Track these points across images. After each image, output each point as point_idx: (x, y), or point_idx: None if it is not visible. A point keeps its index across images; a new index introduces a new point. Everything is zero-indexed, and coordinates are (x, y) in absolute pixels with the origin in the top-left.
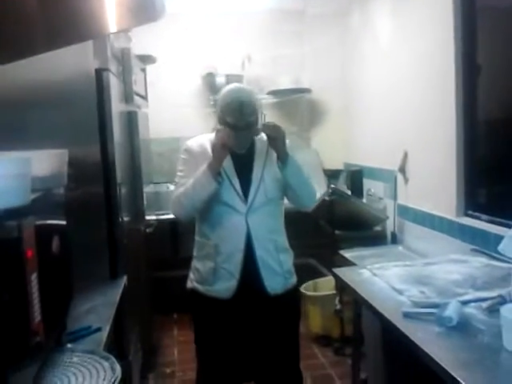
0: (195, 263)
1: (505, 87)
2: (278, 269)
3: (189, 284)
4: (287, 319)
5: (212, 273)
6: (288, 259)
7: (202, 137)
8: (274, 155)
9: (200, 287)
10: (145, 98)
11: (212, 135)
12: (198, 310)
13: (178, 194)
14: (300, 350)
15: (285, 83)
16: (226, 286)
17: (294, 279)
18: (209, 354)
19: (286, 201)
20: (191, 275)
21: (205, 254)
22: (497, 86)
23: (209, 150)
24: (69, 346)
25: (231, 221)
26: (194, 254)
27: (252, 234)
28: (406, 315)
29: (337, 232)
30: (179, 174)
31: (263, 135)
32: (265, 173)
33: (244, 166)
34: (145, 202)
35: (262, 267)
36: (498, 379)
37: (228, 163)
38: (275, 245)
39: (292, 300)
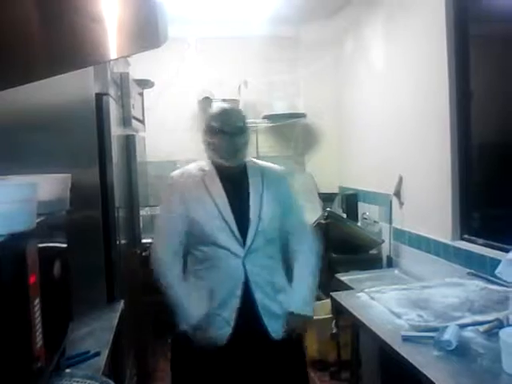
0: (187, 303)
1: (498, 112)
2: (278, 311)
3: (183, 327)
4: (293, 363)
5: (204, 319)
6: (286, 299)
7: (188, 167)
8: (272, 190)
9: (193, 332)
10: (142, 121)
11: (198, 163)
12: (188, 356)
13: (161, 270)
14: None
15: (280, 108)
16: (220, 333)
17: None
18: None
19: None
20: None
21: (198, 298)
22: (490, 111)
23: (192, 177)
24: (67, 370)
25: (228, 265)
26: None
27: (250, 278)
28: (406, 339)
29: (332, 255)
30: (163, 206)
31: (256, 161)
32: (263, 211)
33: (239, 200)
34: (141, 225)
35: (263, 312)
36: None
37: (222, 199)
38: (273, 287)
39: (296, 342)
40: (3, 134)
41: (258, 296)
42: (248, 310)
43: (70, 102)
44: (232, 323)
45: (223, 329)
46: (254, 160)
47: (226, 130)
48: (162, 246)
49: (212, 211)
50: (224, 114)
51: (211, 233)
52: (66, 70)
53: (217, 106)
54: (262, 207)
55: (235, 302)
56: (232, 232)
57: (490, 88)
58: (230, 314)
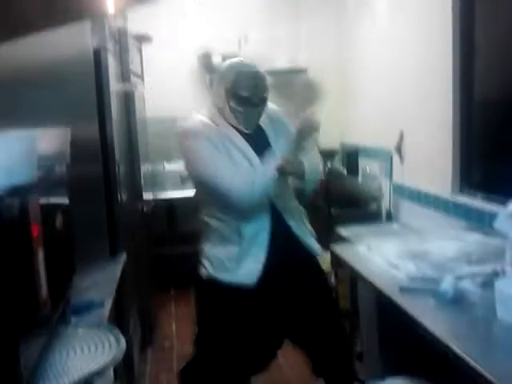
0: (210, 249)
1: (502, 67)
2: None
3: (204, 272)
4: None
5: (235, 259)
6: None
7: (198, 118)
8: (279, 130)
9: (220, 275)
10: (141, 77)
11: (201, 118)
12: (217, 301)
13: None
14: None
15: (281, 63)
16: (251, 270)
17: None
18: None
19: None
20: (206, 263)
21: (223, 239)
22: (494, 65)
23: (212, 128)
24: (73, 319)
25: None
26: (206, 238)
27: (278, 205)
28: (403, 290)
29: (333, 210)
30: (215, 164)
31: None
32: (280, 149)
33: (261, 147)
34: (142, 181)
35: (300, 233)
36: (492, 349)
37: (244, 146)
38: (299, 210)
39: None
40: (1, 89)
41: (291, 222)
42: (280, 239)
43: (68, 58)
44: (263, 257)
45: (255, 264)
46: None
47: (253, 101)
48: (233, 184)
49: (241, 162)
50: (253, 82)
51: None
52: (63, 23)
53: (239, 67)
54: (279, 145)
55: (265, 235)
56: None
57: (495, 42)
58: (261, 248)
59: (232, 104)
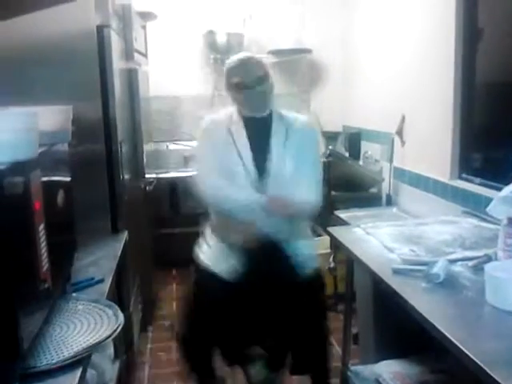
0: (204, 234)
1: (504, 52)
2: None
3: (196, 254)
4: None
5: (218, 251)
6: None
7: (219, 113)
8: (295, 142)
9: (206, 261)
10: (145, 55)
11: (228, 110)
12: (202, 284)
13: (218, 195)
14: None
15: (286, 43)
16: (229, 268)
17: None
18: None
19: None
20: (199, 246)
21: (213, 228)
22: (496, 50)
23: (220, 125)
24: (73, 295)
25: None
26: (204, 222)
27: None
28: (396, 272)
29: (333, 193)
30: (198, 149)
31: (284, 113)
32: (281, 162)
33: (261, 151)
34: (145, 160)
35: (288, 247)
36: (479, 330)
37: (246, 149)
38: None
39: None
40: (3, 66)
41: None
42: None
43: (71, 35)
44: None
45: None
46: (283, 112)
47: (246, 83)
48: (205, 175)
49: (236, 161)
50: (241, 66)
51: (233, 179)
52: (66, 0)
53: (233, 59)
54: (281, 158)
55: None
56: (251, 178)
57: (497, 26)
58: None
59: (231, 94)
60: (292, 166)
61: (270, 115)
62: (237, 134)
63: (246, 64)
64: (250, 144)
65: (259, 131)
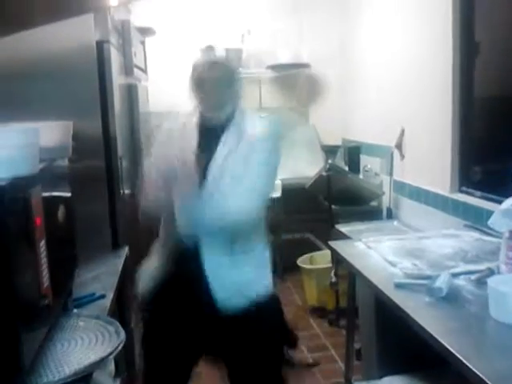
0: None
1: (502, 65)
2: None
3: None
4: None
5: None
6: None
7: (182, 116)
8: (242, 153)
9: None
10: (144, 71)
11: (192, 113)
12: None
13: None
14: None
15: (284, 58)
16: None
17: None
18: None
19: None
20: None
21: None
22: (494, 63)
23: (175, 127)
24: (75, 311)
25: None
26: None
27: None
28: (398, 286)
29: (334, 207)
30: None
31: (245, 119)
32: (221, 171)
33: (206, 157)
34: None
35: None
36: (484, 345)
37: (191, 153)
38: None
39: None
40: (4, 82)
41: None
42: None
43: (71, 51)
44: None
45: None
46: (248, 117)
47: (204, 81)
48: (148, 186)
49: (180, 163)
50: (203, 66)
51: (174, 183)
52: (66, 16)
53: (199, 58)
54: (219, 170)
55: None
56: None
57: (495, 40)
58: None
59: (190, 90)
60: (229, 178)
61: (230, 121)
62: (189, 136)
63: (208, 64)
64: (199, 148)
65: (210, 140)
